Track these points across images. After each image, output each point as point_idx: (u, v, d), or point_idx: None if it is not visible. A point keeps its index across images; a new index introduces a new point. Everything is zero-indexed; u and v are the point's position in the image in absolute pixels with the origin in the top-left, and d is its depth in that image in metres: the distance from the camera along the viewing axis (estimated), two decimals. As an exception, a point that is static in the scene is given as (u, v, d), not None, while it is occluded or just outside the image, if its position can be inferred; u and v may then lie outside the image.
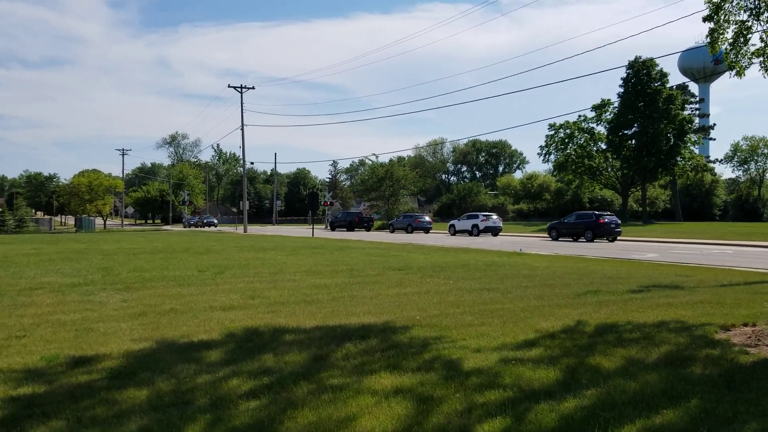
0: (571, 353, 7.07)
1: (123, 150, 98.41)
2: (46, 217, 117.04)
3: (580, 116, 71.92)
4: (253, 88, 58.90)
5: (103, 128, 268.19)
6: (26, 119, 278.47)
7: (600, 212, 38.54)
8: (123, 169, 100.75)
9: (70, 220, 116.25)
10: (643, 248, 28.99)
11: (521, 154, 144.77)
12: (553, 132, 73.09)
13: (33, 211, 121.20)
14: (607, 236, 35.95)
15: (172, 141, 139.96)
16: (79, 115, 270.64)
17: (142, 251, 24.54)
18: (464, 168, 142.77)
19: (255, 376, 6.09)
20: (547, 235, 39.74)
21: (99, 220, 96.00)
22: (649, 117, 63.56)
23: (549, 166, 79.36)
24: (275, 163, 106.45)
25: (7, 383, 5.90)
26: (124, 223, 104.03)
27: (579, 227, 36.86)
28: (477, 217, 45.60)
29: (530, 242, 34.77)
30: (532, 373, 6.20)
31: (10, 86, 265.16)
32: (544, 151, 75.05)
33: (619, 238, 36.58)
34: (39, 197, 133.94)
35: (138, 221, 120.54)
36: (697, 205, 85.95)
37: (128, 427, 4.76)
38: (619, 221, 38.02)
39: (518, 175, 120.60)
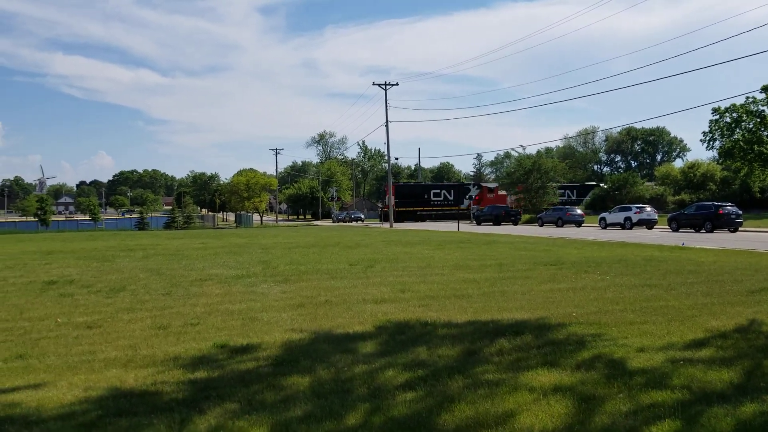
0: (747, 355, 6.52)
1: (276, 149, 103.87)
2: (209, 213, 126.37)
3: (748, 98, 65.84)
4: (396, 84, 59.95)
5: (257, 129, 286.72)
6: (189, 123, 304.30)
7: (720, 203, 38.07)
8: (276, 168, 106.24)
9: (231, 217, 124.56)
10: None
11: (681, 141, 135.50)
12: (717, 117, 67.52)
13: (198, 208, 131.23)
14: (727, 227, 35.73)
15: (321, 139, 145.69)
16: (236, 118, 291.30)
17: (297, 245, 25.75)
18: (618, 158, 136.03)
19: (409, 369, 6.16)
20: (667, 227, 39.41)
21: (256, 216, 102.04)
22: (832, 95, 56.84)
23: (713, 153, 73.55)
24: (419, 157, 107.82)
25: (186, 367, 6.40)
26: (278, 218, 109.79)
27: (698, 218, 36.79)
28: (630, 209, 43.35)
29: (655, 234, 32.44)
30: (703, 374, 5.79)
31: (175, 93, 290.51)
32: (707, 138, 69.45)
33: (741, 228, 36.03)
34: (203, 195, 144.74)
35: (290, 217, 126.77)
36: None
37: (294, 412, 4.98)
38: (741, 212, 37.21)
39: (678, 163, 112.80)
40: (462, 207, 70.41)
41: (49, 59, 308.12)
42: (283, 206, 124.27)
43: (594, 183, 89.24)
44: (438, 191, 76.62)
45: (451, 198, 74.64)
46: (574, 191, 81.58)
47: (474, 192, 57.01)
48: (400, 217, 68.51)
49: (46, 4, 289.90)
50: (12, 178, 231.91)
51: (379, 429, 4.64)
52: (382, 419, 4.81)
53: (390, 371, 6.10)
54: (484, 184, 75.17)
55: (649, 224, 41.85)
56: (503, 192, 77.53)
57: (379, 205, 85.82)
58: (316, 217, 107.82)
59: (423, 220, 69.02)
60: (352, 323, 8.55)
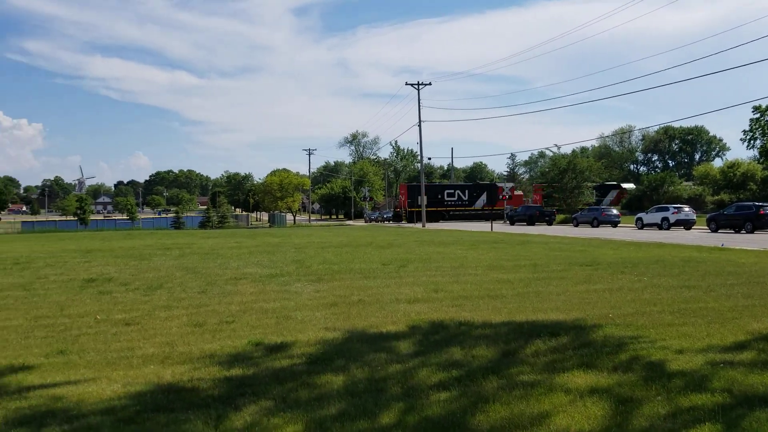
0: (791, 358, 6.34)
1: (309, 150, 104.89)
2: (243, 213, 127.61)
3: (790, 96, 64.10)
4: (429, 84, 59.79)
5: (290, 129, 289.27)
6: (224, 124, 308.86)
7: (761, 203, 36.98)
8: (309, 168, 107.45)
9: (264, 216, 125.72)
10: None
11: (720, 140, 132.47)
12: (758, 115, 65.89)
13: (232, 208, 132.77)
14: None
15: (353, 140, 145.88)
16: (269, 119, 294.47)
17: (330, 245, 25.85)
18: (655, 157, 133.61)
19: (444, 368, 6.14)
20: (706, 228, 38.46)
21: (289, 216, 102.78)
22: None
23: (754, 152, 71.71)
24: (452, 157, 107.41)
25: (221, 364, 6.48)
26: (311, 218, 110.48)
27: (738, 219, 35.80)
28: (667, 209, 42.60)
29: (694, 235, 31.68)
30: (744, 377, 5.66)
31: (210, 95, 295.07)
32: (748, 137, 67.78)
33: None
34: (237, 195, 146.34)
35: (323, 216, 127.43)
36: None
37: (328, 410, 5.01)
38: None
39: (718, 163, 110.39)
40: (476, 207, 69.59)
41: (87, 62, 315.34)
42: (316, 206, 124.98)
43: (614, 183, 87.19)
44: (452, 191, 75.56)
45: (465, 198, 73.57)
46: (594, 192, 79.75)
47: (507, 192, 56.50)
48: (412, 218, 67.84)
49: (84, 8, 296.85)
50: (52, 179, 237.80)
51: (413, 428, 4.64)
52: (416, 419, 4.81)
53: (424, 371, 6.08)
54: (499, 185, 74.69)
55: (687, 225, 41.10)
56: (519, 192, 76.56)
57: (396, 205, 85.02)
58: (348, 216, 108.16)
59: (436, 221, 68.11)
60: (385, 323, 8.55)
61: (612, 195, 78.89)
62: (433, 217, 68.03)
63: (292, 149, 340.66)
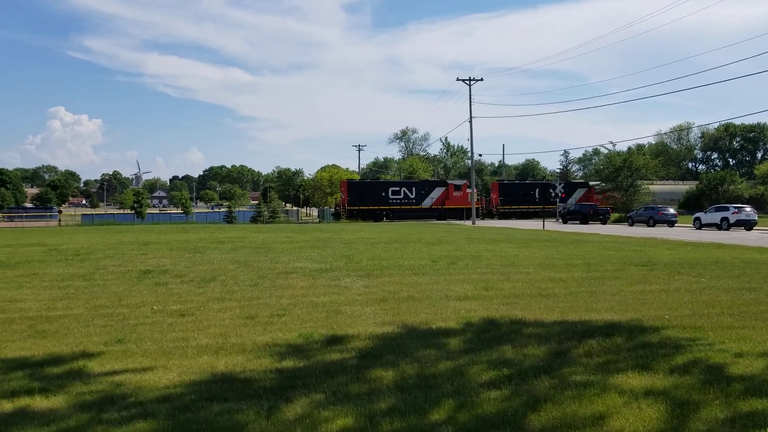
0: None
1: (359, 146, 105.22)
2: (294, 208, 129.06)
3: None
4: (481, 79, 58.88)
5: (340, 126, 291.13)
6: (275, 120, 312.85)
7: None
8: (359, 164, 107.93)
9: (314, 212, 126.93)
10: None
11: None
12: (825, 111, 63.18)
13: (283, 203, 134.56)
14: None
15: (403, 136, 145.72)
16: (320, 115, 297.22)
17: (379, 241, 25.89)
18: (715, 155, 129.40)
19: (495, 367, 6.09)
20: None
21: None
22: None
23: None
24: (503, 154, 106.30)
25: (273, 356, 6.58)
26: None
27: None
28: (727, 209, 41.23)
29: (755, 236, 30.49)
30: (808, 384, 5.43)
31: (262, 92, 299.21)
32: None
33: None
34: (288, 191, 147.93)
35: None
36: None
37: (378, 405, 5.02)
38: None
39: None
40: (424, 206, 67.34)
41: (145, 59, 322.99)
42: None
43: (582, 181, 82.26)
44: (397, 189, 71.74)
45: (412, 196, 69.92)
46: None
47: (559, 190, 55.53)
48: (352, 216, 65.22)
49: (144, 6, 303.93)
50: (111, 173, 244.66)
51: (463, 425, 4.61)
52: (467, 416, 4.78)
53: (475, 368, 6.05)
54: (450, 182, 71.84)
55: (748, 225, 39.72)
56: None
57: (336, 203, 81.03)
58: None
59: (380, 219, 65.15)
60: (435, 319, 8.53)
61: (579, 194, 73.61)
62: (376, 217, 65.38)
63: (342, 145, 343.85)
